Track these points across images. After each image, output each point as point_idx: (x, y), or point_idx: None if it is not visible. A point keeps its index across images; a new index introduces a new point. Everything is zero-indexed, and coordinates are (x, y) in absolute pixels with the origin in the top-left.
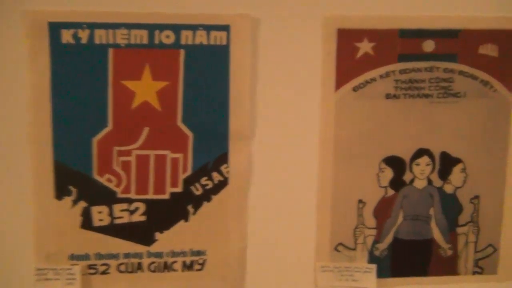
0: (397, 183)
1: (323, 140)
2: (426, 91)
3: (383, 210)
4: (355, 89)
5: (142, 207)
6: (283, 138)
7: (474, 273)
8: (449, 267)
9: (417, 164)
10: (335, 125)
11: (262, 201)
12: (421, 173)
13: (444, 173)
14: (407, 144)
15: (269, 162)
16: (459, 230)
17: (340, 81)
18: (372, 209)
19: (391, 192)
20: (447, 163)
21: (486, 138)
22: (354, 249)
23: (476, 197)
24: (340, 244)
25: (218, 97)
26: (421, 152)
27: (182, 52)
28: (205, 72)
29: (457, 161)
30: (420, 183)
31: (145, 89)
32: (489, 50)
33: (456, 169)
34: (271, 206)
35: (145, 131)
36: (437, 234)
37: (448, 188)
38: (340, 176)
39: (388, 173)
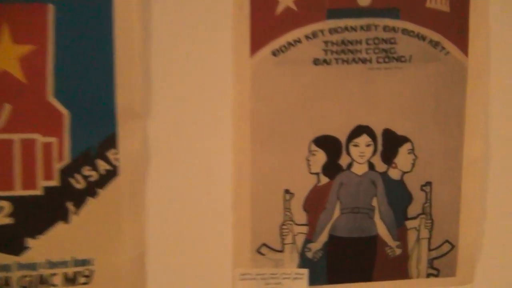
0: (331, 169)
1: (237, 117)
2: (363, 54)
3: (315, 202)
4: (275, 53)
5: (7, 206)
6: (187, 116)
7: (429, 275)
8: (398, 270)
9: (355, 145)
10: (251, 98)
11: (163, 196)
12: (361, 155)
13: (389, 156)
14: (342, 120)
15: (170, 146)
16: (409, 224)
17: (257, 44)
18: (302, 201)
19: (324, 179)
20: (391, 143)
21: (438, 112)
22: (281, 251)
23: (428, 183)
24: (264, 245)
25: (100, 65)
26: (360, 130)
27: (50, 8)
28: (82, 33)
29: (404, 140)
30: (359, 168)
31: (4, 56)
32: (438, 3)
33: (403, 150)
34: (175, 202)
35: (6, 109)
36: (382, 230)
37: (394, 174)
38: (261, 162)
39: (320, 157)
